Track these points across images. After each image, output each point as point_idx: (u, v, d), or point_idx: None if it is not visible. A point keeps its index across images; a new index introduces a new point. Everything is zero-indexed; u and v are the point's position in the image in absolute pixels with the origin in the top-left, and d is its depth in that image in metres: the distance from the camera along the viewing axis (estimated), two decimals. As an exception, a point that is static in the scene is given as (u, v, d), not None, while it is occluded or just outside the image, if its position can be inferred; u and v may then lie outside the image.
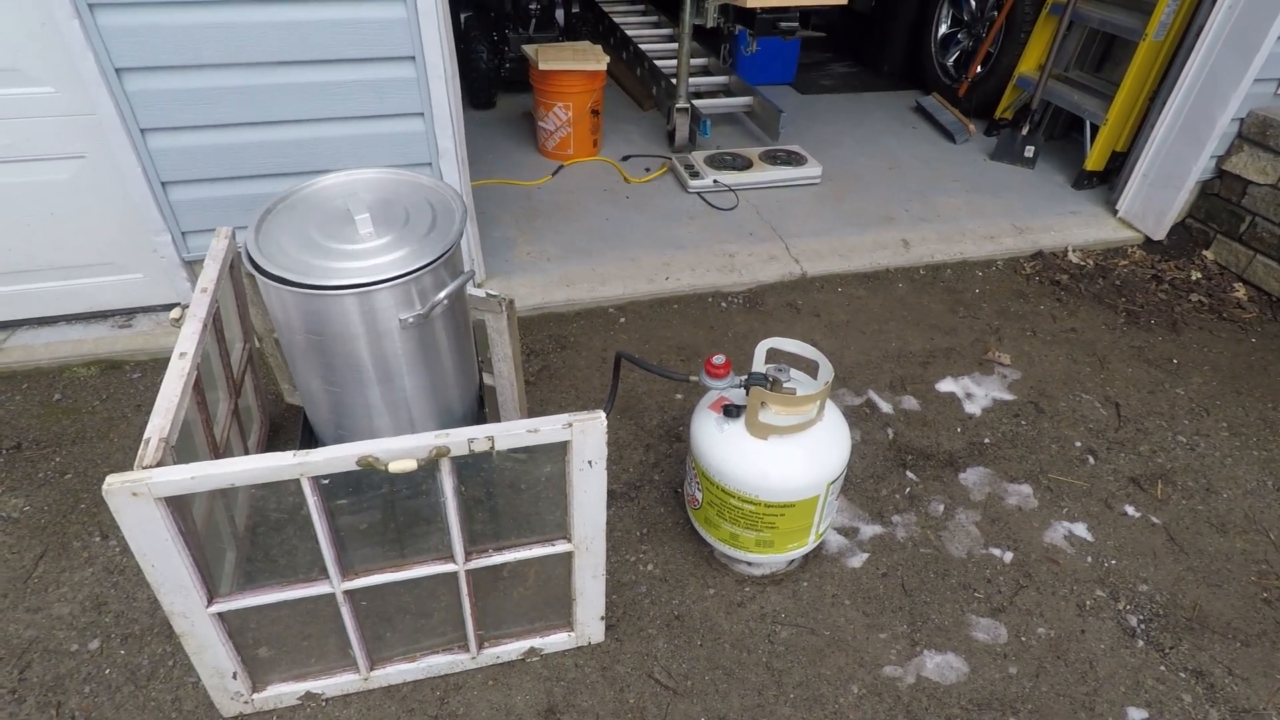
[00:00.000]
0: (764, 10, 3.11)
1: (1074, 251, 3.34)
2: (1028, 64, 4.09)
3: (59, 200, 2.29)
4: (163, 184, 2.16)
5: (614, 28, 5.09)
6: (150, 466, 1.24)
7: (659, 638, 1.79)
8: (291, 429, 2.30)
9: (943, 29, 4.78)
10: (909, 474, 2.26)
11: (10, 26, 1.98)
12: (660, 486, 2.18)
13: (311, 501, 1.33)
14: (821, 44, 5.78)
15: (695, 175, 3.56)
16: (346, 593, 1.48)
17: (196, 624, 1.42)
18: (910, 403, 2.53)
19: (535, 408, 2.40)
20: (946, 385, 2.60)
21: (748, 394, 1.73)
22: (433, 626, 1.68)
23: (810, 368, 1.82)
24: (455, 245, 1.42)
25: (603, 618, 1.73)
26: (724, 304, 2.94)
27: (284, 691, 1.61)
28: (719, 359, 1.73)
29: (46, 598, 1.81)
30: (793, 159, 3.74)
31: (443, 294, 1.39)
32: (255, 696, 1.59)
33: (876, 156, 4.05)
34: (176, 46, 1.94)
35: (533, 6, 4.23)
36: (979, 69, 4.42)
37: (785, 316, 2.90)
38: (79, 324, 2.58)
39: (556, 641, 1.74)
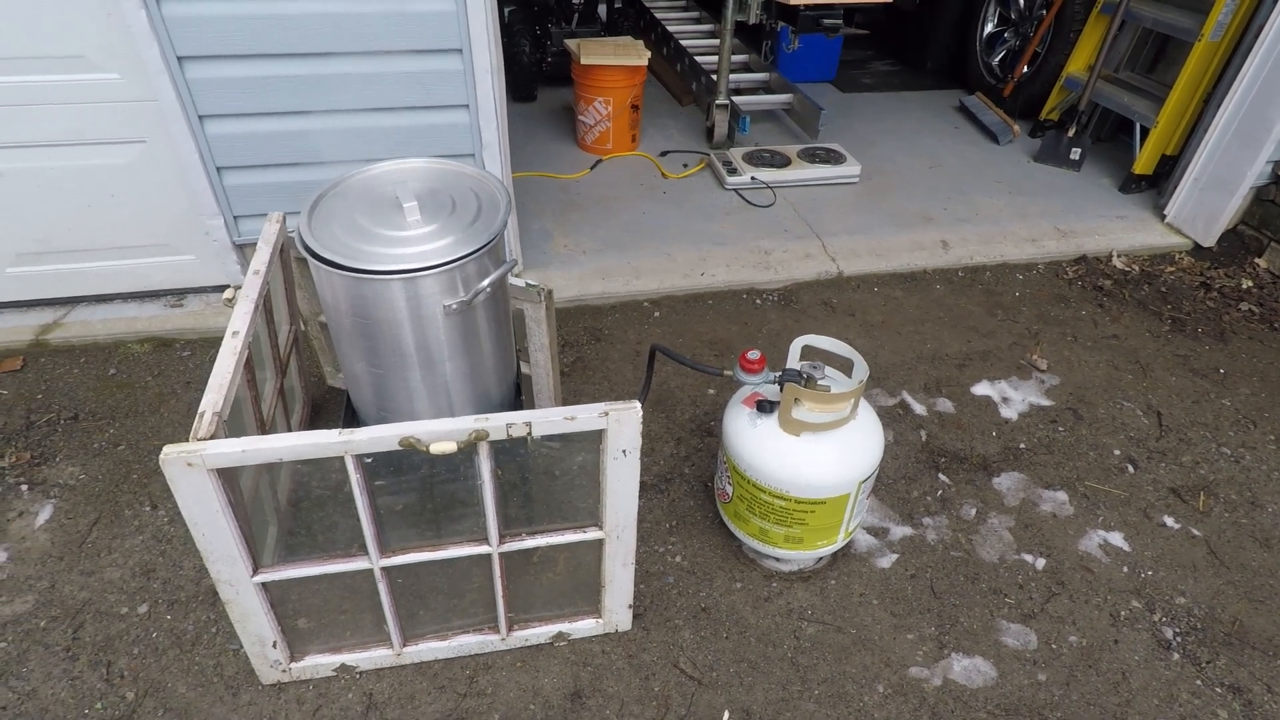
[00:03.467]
0: (807, 7, 3.10)
1: (1119, 257, 3.27)
2: (1076, 64, 4.01)
3: (119, 183, 2.38)
4: (218, 169, 2.23)
5: (655, 23, 5.10)
6: (204, 439, 1.30)
7: (685, 628, 1.81)
8: (332, 410, 2.37)
9: (988, 27, 4.70)
10: (941, 476, 2.25)
11: (79, 16, 2.06)
12: (690, 480, 2.20)
13: (354, 479, 1.37)
14: (863, 42, 5.72)
15: (733, 172, 3.56)
16: (384, 569, 1.53)
17: (241, 593, 1.47)
18: (945, 405, 2.50)
19: (568, 398, 2.43)
20: (982, 389, 2.58)
21: (781, 390, 1.74)
22: (464, 607, 1.72)
23: (845, 366, 1.82)
24: (499, 235, 1.45)
25: (630, 606, 1.75)
26: (759, 301, 2.94)
27: (320, 663, 1.66)
28: (754, 354, 1.74)
29: (99, 562, 1.89)
30: (832, 157, 3.72)
31: (486, 282, 1.42)
32: (293, 666, 1.65)
33: (917, 156, 4.00)
34: (235, 36, 2.00)
35: (576, 1, 4.26)
36: (1025, 69, 4.34)
37: (820, 315, 2.89)
38: (134, 302, 2.68)
39: (584, 627, 1.77)
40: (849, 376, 1.85)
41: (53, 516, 2.00)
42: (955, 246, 3.25)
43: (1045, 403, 2.52)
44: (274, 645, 1.59)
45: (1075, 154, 3.90)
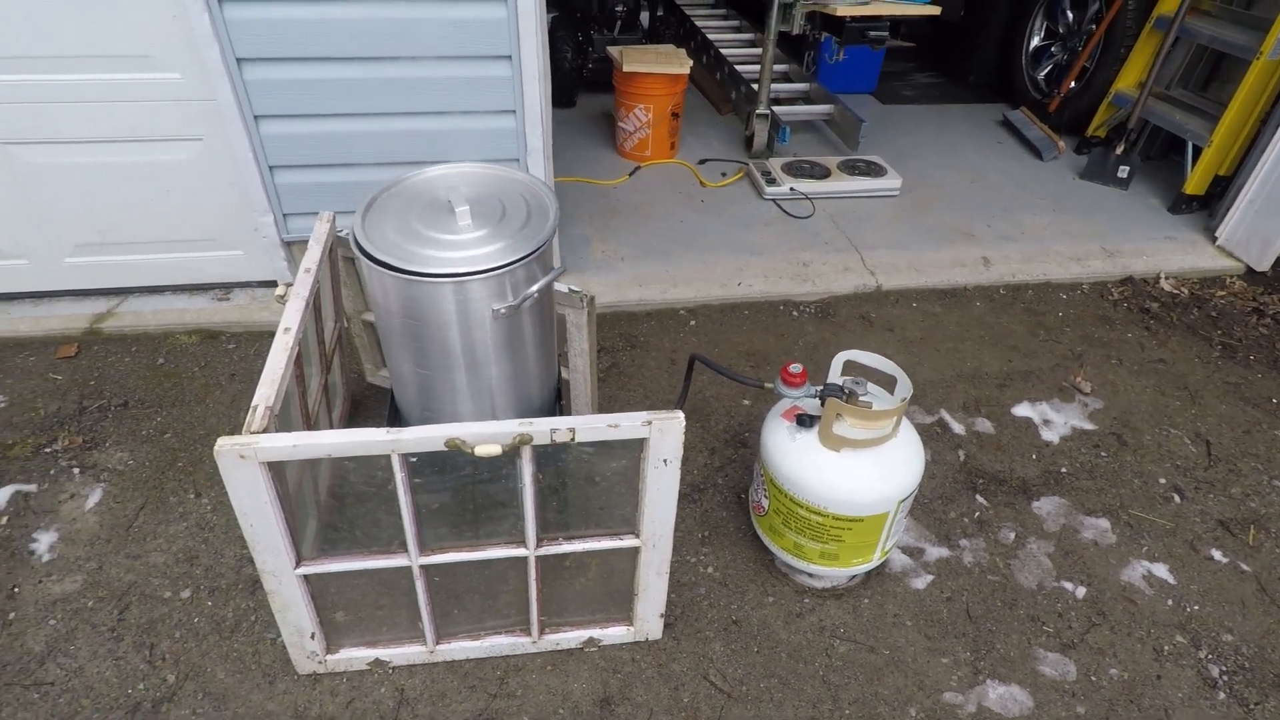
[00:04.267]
0: (853, 19, 3.08)
1: (1167, 279, 3.20)
2: (1126, 80, 3.93)
3: (175, 179, 2.44)
4: (270, 168, 2.28)
5: (695, 31, 5.11)
6: (257, 432, 1.33)
7: (716, 640, 1.80)
8: (371, 406, 2.40)
9: (1035, 41, 4.63)
10: (979, 498, 2.21)
11: (146, 18, 2.12)
12: (723, 490, 2.19)
13: (399, 477, 1.39)
14: (904, 53, 5.68)
15: (772, 182, 3.55)
16: (422, 567, 1.55)
17: (284, 583, 1.50)
18: (984, 425, 2.47)
19: (604, 404, 2.44)
20: (1023, 410, 2.53)
21: (822, 405, 1.73)
22: (498, 608, 1.73)
23: (887, 382, 1.80)
24: (548, 241, 1.47)
25: (662, 615, 1.75)
26: (795, 313, 2.93)
27: (355, 656, 1.68)
28: (795, 368, 1.73)
29: (145, 546, 1.94)
30: (872, 170, 3.69)
31: (535, 287, 1.44)
32: (329, 658, 1.67)
33: (959, 170, 3.96)
34: (293, 39, 2.05)
35: (619, 9, 4.29)
36: (1073, 84, 4.27)
37: (857, 329, 2.87)
38: (183, 295, 2.75)
39: (615, 634, 1.77)
40: (891, 393, 1.83)
41: (102, 500, 2.05)
42: (997, 263, 3.20)
43: (1088, 426, 2.47)
44: (312, 636, 1.62)
45: (1123, 172, 3.83)
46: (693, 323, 2.84)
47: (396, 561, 1.53)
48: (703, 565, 1.99)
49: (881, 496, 1.71)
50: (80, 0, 2.08)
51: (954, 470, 2.31)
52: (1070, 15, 4.36)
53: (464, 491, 1.77)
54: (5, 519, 1.98)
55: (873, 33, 3.12)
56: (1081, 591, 1.95)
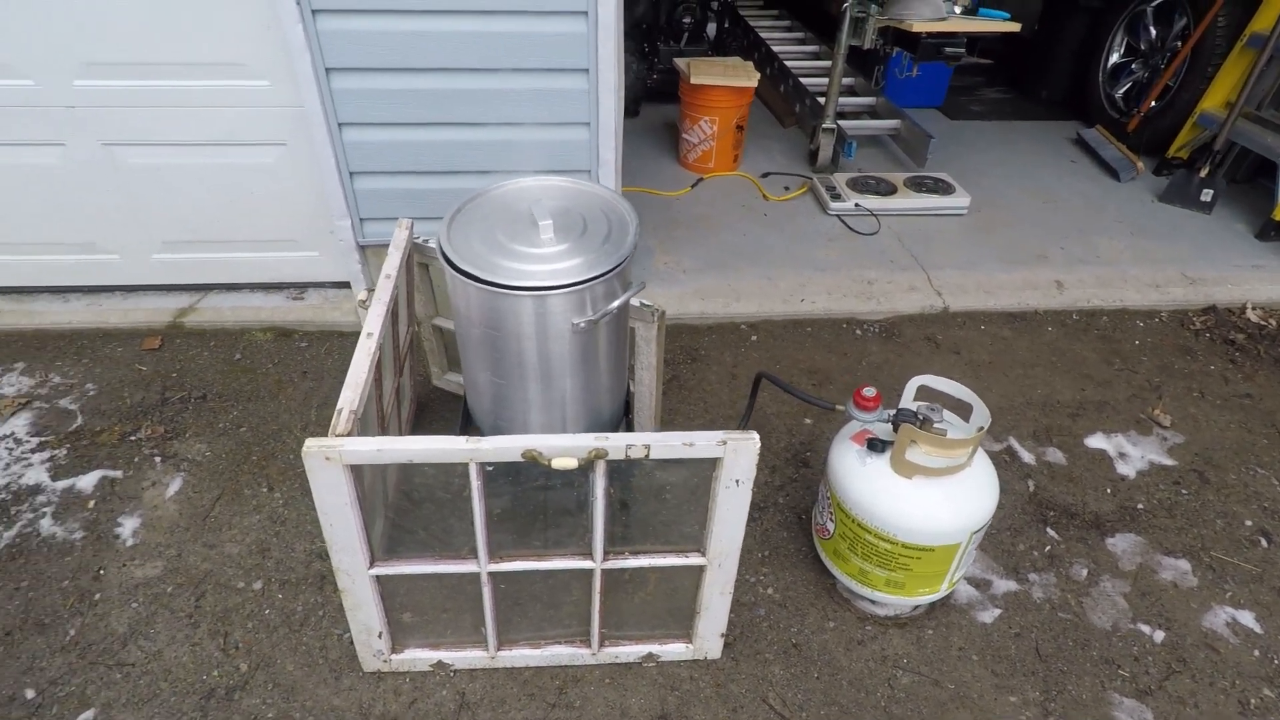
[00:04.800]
0: (929, 35, 3.03)
1: (1254, 309, 3.06)
2: (1213, 100, 3.78)
3: (259, 182, 2.53)
4: (350, 174, 2.35)
5: (759, 43, 5.09)
6: (343, 435, 1.36)
7: (775, 663, 1.78)
8: (435, 409, 2.45)
9: (1114, 58, 4.49)
10: (1050, 531, 2.14)
11: (242, 27, 2.21)
12: (784, 510, 2.17)
13: (475, 485, 1.41)
14: (972, 67, 5.56)
15: (836, 197, 3.51)
16: (490, 574, 1.57)
17: (357, 583, 1.54)
18: (1055, 455, 2.39)
19: (664, 417, 2.44)
20: (1097, 441, 2.45)
21: (896, 430, 1.70)
22: (560, 618, 1.75)
23: (961, 409, 1.76)
24: (629, 258, 1.47)
25: (723, 635, 1.74)
26: (859, 331, 2.89)
27: (419, 657, 1.71)
28: (869, 391, 1.71)
29: (220, 536, 2.01)
30: (940, 187, 3.62)
31: (615, 304, 1.45)
32: (393, 657, 1.70)
33: (1030, 190, 3.86)
34: (380, 50, 2.11)
35: (685, 21, 4.30)
36: (1154, 103, 4.12)
37: (923, 350, 2.81)
38: (260, 293, 2.85)
39: (674, 651, 1.76)
40: (965, 421, 1.79)
41: (181, 489, 2.13)
42: (1070, 288, 3.10)
43: (1167, 462, 2.37)
44: (379, 636, 1.65)
45: (1206, 196, 3.68)
46: (754, 338, 2.82)
47: (466, 567, 1.55)
48: (762, 585, 1.97)
49: (954, 527, 1.67)
50: (182, 12, 2.18)
51: (1023, 501, 2.24)
52: (1153, 32, 4.21)
53: (531, 499, 1.79)
54: (93, 503, 2.07)
55: (949, 49, 3.05)
56: (1160, 635, 1.87)
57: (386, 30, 2.07)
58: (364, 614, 1.60)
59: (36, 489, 2.10)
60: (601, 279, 1.43)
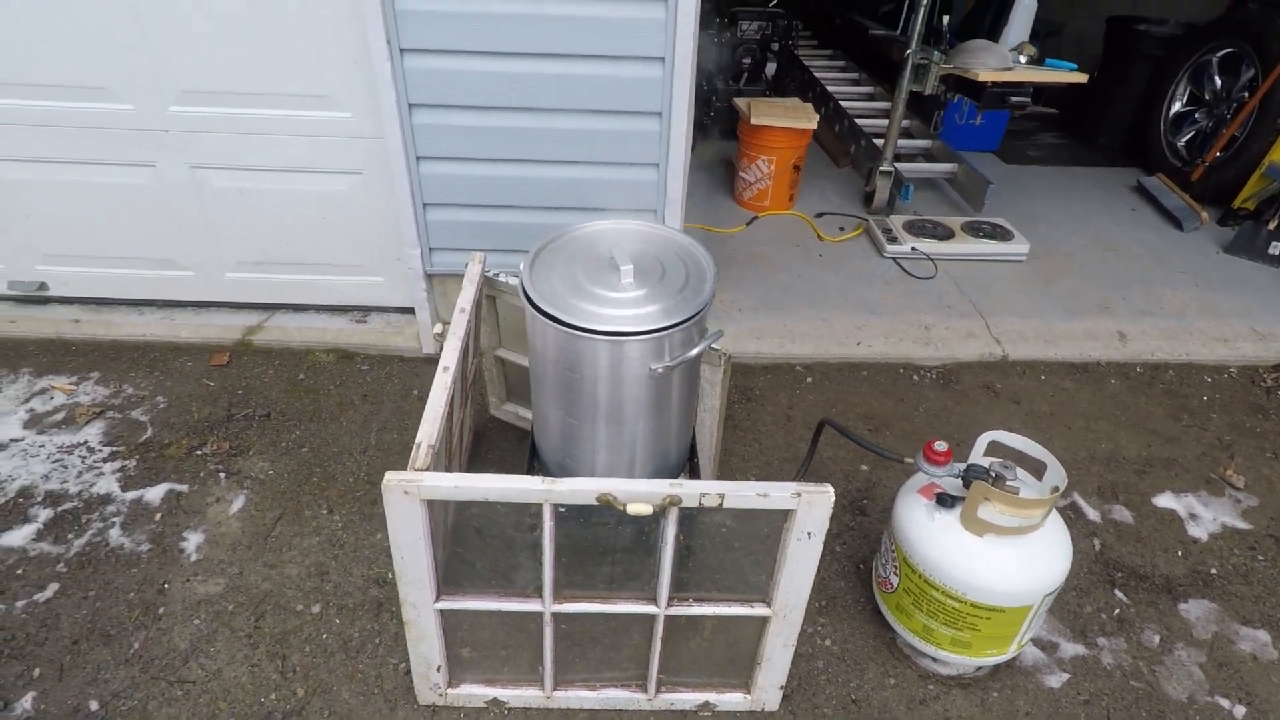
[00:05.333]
0: (995, 84, 3.02)
1: (1329, 372, 2.96)
2: (1283, 153, 3.70)
3: (334, 208, 2.61)
4: (424, 205, 2.41)
5: (815, 82, 5.12)
6: (422, 470, 1.38)
7: (834, 719, 1.74)
8: (491, 439, 2.47)
9: (1176, 106, 4.43)
10: (1118, 593, 2.08)
11: (330, 62, 2.30)
12: (842, 559, 2.14)
13: (547, 526, 1.41)
14: (1029, 113, 5.52)
15: (893, 240, 3.49)
16: (553, 614, 1.56)
17: (422, 616, 1.54)
18: (1121, 513, 2.32)
19: (719, 458, 2.43)
20: (1165, 500, 2.37)
21: (966, 486, 1.67)
22: (618, 661, 1.73)
23: (1033, 466, 1.73)
24: (707, 306, 1.48)
25: (782, 687, 1.71)
26: (915, 377, 2.85)
27: (474, 693, 1.71)
28: (941, 445, 1.68)
29: (280, 556, 2.04)
30: (998, 233, 3.58)
31: (694, 351, 1.45)
32: (450, 691, 1.70)
33: (1090, 237, 3.80)
34: (462, 89, 2.17)
35: (745, 61, 4.35)
36: (1219, 153, 4.05)
37: (981, 399, 2.77)
38: (325, 314, 2.91)
39: (731, 701, 1.74)
40: (1038, 479, 1.75)
41: (244, 506, 2.17)
42: (1134, 340, 3.04)
43: (1241, 525, 2.29)
44: (438, 669, 1.65)
45: (1275, 249, 3.59)
46: (809, 380, 2.80)
47: (530, 606, 1.55)
48: (820, 637, 1.93)
49: (1026, 589, 1.63)
50: (277, 45, 2.27)
51: (1089, 560, 2.17)
52: (1218, 82, 4.15)
53: (592, 535, 1.79)
54: (160, 515, 2.12)
55: (1014, 98, 3.04)
56: (1240, 711, 1.79)
57: (470, 70, 2.13)
58: (426, 646, 1.60)
59: (107, 498, 2.16)
60: (680, 327, 1.43)
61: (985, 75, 3.04)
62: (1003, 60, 3.06)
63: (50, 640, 1.78)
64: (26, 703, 1.66)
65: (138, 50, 2.29)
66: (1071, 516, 2.30)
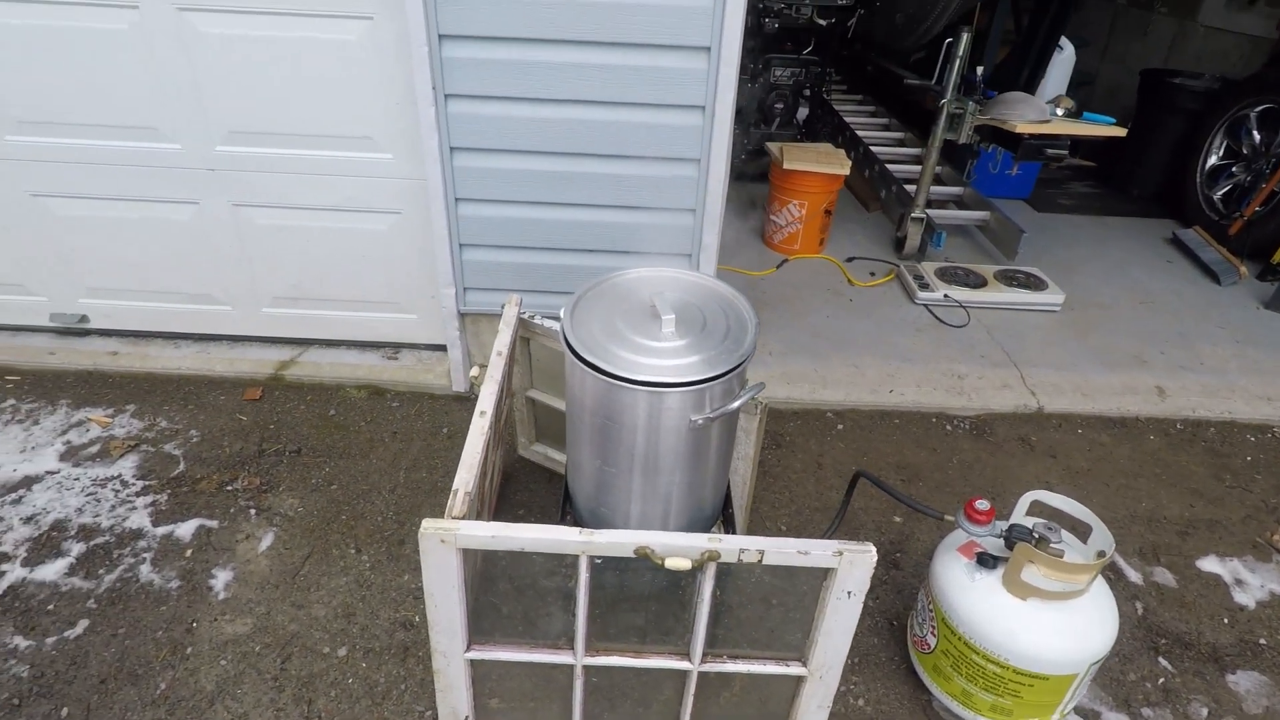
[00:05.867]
0: (1032, 137, 3.03)
1: (1378, 433, 2.87)
2: (1324, 210, 3.65)
3: (371, 246, 2.65)
4: (460, 245, 2.44)
5: (845, 127, 5.17)
6: (459, 518, 1.37)
7: (869, 786, 1.68)
8: (521, 479, 2.46)
9: (1213, 159, 4.40)
10: (1162, 661, 2.00)
11: (374, 106, 2.36)
12: (874, 614, 2.08)
13: (583, 578, 1.39)
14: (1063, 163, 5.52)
15: (925, 287, 3.47)
16: (585, 667, 1.53)
17: (452, 665, 1.52)
18: (1164, 576, 2.25)
19: (750, 505, 2.40)
20: (1210, 564, 2.30)
21: (1009, 547, 1.63)
22: (647, 716, 1.69)
23: (1069, 523, 1.68)
24: (748, 358, 1.47)
25: (815, 750, 1.65)
26: (949, 427, 2.81)
27: (500, 745, 1.67)
28: (983, 504, 1.65)
29: (308, 597, 2.03)
30: (1032, 282, 3.55)
31: (735, 404, 1.44)
32: (475, 743, 1.67)
33: (1126, 289, 3.75)
34: (502, 134, 2.21)
35: (778, 106, 4.40)
36: (1258, 207, 4.00)
37: (1016, 452, 2.71)
38: (356, 350, 2.94)
39: (762, 762, 1.68)
40: (1082, 542, 1.71)
41: (273, 544, 2.17)
42: (1173, 395, 2.98)
43: (1292, 595, 2.21)
44: (465, 719, 1.62)
45: (1317, 306, 3.52)
46: (840, 427, 2.77)
47: (561, 658, 1.52)
48: (853, 696, 1.88)
49: (1072, 656, 1.58)
50: (323, 88, 2.33)
51: (1132, 625, 2.10)
52: (1257, 136, 4.13)
53: (622, 583, 1.76)
54: (190, 551, 2.12)
55: (1051, 151, 3.04)
56: (1298, 797, 1.70)
57: (512, 116, 2.18)
58: (454, 696, 1.57)
59: (139, 533, 2.17)
60: (721, 379, 1.43)
61: (1023, 127, 3.04)
62: (1040, 113, 3.07)
63: (79, 679, 1.78)
64: (52, 741, 1.66)
65: (188, 93, 2.37)
66: (1111, 577, 2.23)
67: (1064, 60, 3.78)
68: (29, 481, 2.32)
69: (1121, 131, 3.17)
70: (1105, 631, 1.60)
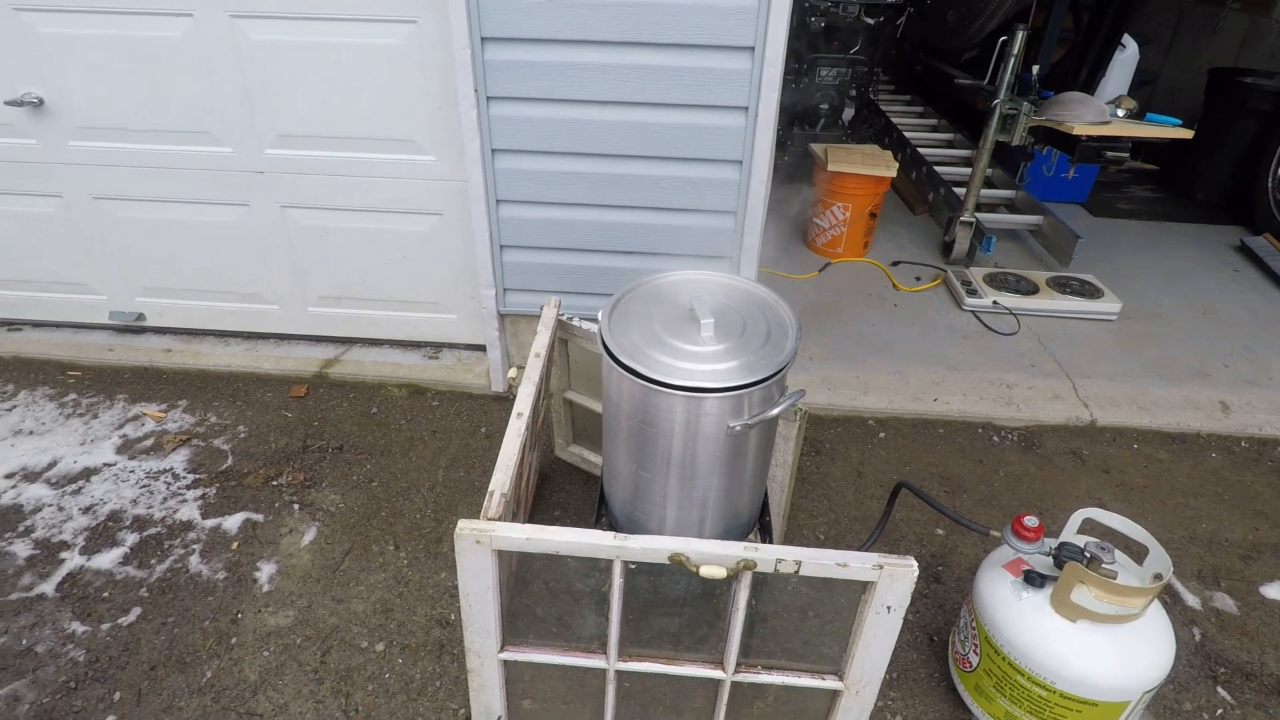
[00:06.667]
0: (1090, 138, 2.92)
1: None
2: (1407, 216, 3.45)
3: (413, 247, 2.69)
4: (501, 246, 2.45)
5: (892, 128, 5.08)
6: (494, 519, 1.37)
7: (906, 806, 1.63)
8: (557, 480, 2.46)
9: (1285, 163, 4.19)
10: (1221, 691, 1.90)
11: (417, 109, 2.39)
12: (914, 629, 2.03)
13: (616, 583, 1.38)
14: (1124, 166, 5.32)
15: (973, 293, 3.38)
16: (617, 671, 1.52)
17: (486, 665, 1.52)
18: (1225, 602, 2.14)
19: (787, 513, 2.36)
20: (1275, 591, 2.18)
21: (1058, 566, 1.57)
22: (678, 724, 1.67)
23: (1121, 542, 1.61)
24: (789, 364, 1.44)
25: (851, 767, 1.61)
26: (995, 438, 2.72)
27: (532, 746, 1.67)
28: (1032, 521, 1.59)
29: (348, 591, 2.06)
30: (1086, 290, 3.43)
31: (774, 411, 1.41)
32: (507, 743, 1.67)
33: (1188, 298, 3.60)
34: (543, 135, 2.22)
35: (823, 107, 4.34)
36: (1333, 214, 3.81)
37: (1067, 466, 2.62)
38: (398, 349, 2.99)
39: (796, 776, 1.65)
40: (1137, 563, 1.63)
41: (315, 539, 2.21)
42: (1238, 411, 2.84)
43: (1366, 625, 2.08)
44: (498, 719, 1.63)
45: (1397, 318, 3.32)
46: (882, 435, 2.71)
47: (594, 662, 1.51)
48: (890, 712, 1.83)
49: (1125, 684, 1.51)
50: (369, 92, 2.38)
51: (1189, 651, 2.00)
52: (1331, 139, 3.93)
53: (658, 588, 1.74)
54: (236, 544, 2.18)
55: (1111, 153, 2.93)
56: (1371, 841, 1.60)
57: (554, 118, 2.18)
58: (487, 696, 1.58)
59: (189, 525, 2.23)
60: (760, 385, 1.40)
61: (1080, 129, 2.94)
62: (1099, 114, 2.96)
63: (131, 664, 1.83)
64: (104, 725, 1.71)
65: (239, 97, 2.44)
66: (1167, 601, 2.14)
67: (1126, 59, 3.63)
68: (88, 473, 2.41)
69: (1187, 133, 3.03)
70: (1160, 659, 1.53)
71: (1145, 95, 5.08)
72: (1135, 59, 3.74)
